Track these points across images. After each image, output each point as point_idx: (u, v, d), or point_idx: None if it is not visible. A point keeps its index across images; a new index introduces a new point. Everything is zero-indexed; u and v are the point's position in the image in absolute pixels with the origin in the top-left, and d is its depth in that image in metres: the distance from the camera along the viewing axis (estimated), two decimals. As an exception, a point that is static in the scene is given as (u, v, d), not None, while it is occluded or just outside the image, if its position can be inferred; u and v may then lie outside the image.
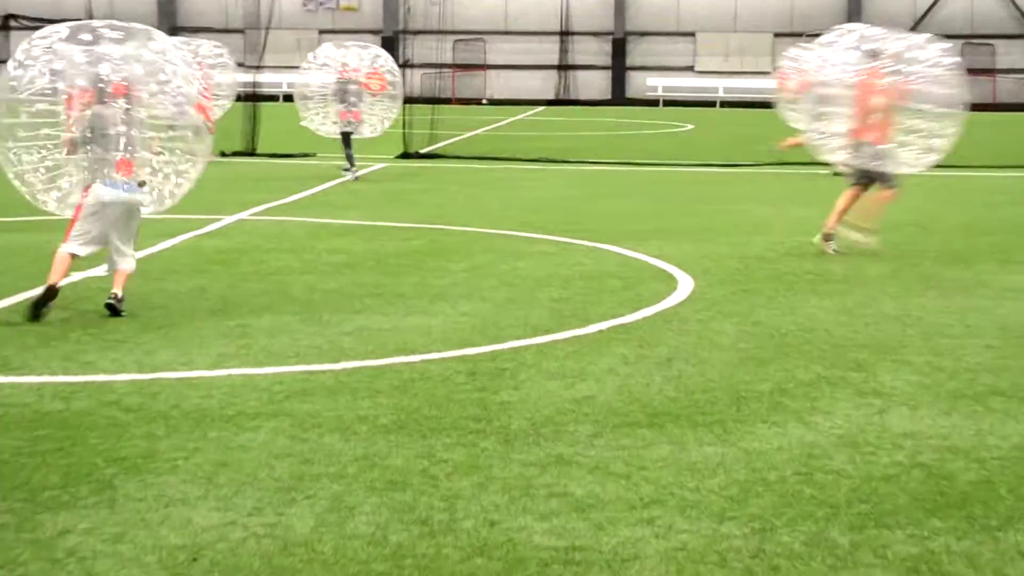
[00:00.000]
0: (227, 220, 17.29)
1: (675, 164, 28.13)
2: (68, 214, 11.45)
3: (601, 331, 10.54)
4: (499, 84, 61.34)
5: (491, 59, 61.32)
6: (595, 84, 60.64)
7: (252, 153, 28.98)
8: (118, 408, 8.04)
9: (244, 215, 17.94)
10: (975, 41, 59.20)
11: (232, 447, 7.27)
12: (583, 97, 60.30)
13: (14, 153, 11.48)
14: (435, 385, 8.72)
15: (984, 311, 11.53)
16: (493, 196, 21.14)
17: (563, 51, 60.98)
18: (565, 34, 60.47)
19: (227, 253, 14.45)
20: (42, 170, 11.51)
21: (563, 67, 61.51)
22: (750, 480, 6.84)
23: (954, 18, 59.07)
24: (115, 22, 11.71)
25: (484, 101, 59.04)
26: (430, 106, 33.72)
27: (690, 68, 59.27)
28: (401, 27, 60.58)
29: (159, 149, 11.50)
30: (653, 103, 57.68)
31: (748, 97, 57.91)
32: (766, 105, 56.94)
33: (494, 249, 15.02)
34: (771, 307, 11.65)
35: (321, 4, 61.86)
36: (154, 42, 11.60)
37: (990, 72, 58.72)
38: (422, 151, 30.02)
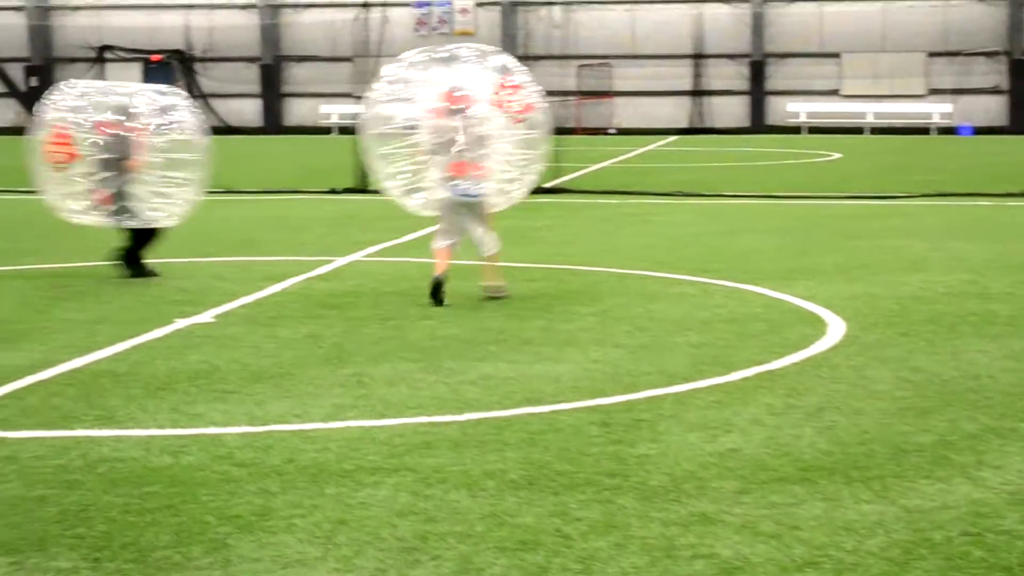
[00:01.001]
0: (339, 262, 17.52)
1: (821, 196, 27.99)
2: (429, 214, 14.78)
3: (745, 379, 10.53)
4: (627, 112, 61.44)
5: (618, 85, 61.45)
6: (731, 110, 60.56)
7: (363, 190, 29.29)
8: (230, 463, 8.19)
9: (357, 256, 18.17)
10: None
11: (351, 504, 7.37)
12: (718, 125, 60.23)
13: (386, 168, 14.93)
14: (566, 437, 8.77)
15: None
16: (623, 233, 21.19)
17: (696, 75, 60.96)
18: (698, 57, 60.48)
19: (340, 297, 14.64)
20: (405, 178, 14.81)
21: (696, 93, 61.48)
22: (913, 541, 6.80)
23: None
24: (475, 45, 15.72)
25: (611, 131, 59.19)
26: (554, 137, 33.84)
27: (835, 92, 58.97)
28: (520, 52, 60.92)
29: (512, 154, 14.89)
30: (795, 130, 57.42)
31: (900, 123, 57.48)
32: (921, 131, 56.66)
33: (626, 290, 15.07)
34: (931, 352, 11.56)
35: (434, 29, 62.48)
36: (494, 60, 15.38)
37: None
38: (546, 185, 30.15)
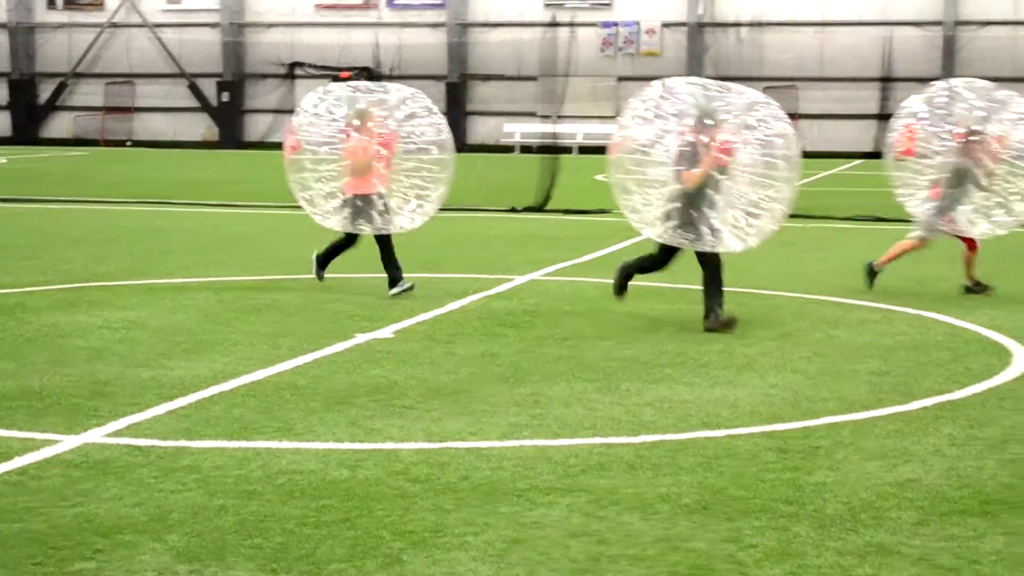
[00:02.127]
0: (518, 280, 17.59)
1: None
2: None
3: (926, 408, 10.36)
4: (812, 134, 60.87)
5: (804, 108, 60.87)
6: (919, 134, 59.60)
7: (542, 209, 29.37)
8: (405, 478, 8.26)
9: (536, 275, 18.22)
10: None
11: (524, 523, 7.39)
12: (905, 149, 59.33)
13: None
14: (742, 463, 8.70)
15: None
16: (807, 257, 20.99)
17: (883, 99, 60.17)
18: (887, 80, 59.71)
19: (518, 315, 14.69)
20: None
21: (883, 116, 60.69)
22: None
23: None
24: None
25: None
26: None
27: (1026, 117, 57.90)
28: (707, 73, 60.69)
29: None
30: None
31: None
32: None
33: (807, 315, 14.91)
34: (1117, 385, 11.27)
35: (620, 50, 62.51)
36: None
37: None
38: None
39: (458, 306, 15.23)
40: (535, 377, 11.41)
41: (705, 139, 13.61)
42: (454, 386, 11.03)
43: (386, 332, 13.53)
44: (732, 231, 14.07)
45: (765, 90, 60.83)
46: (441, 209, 17.14)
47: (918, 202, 16.83)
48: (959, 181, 16.41)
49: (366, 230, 16.21)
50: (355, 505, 7.70)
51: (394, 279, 15.95)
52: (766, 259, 20.47)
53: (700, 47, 61.83)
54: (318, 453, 8.88)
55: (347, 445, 9.09)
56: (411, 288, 15.95)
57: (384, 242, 16.15)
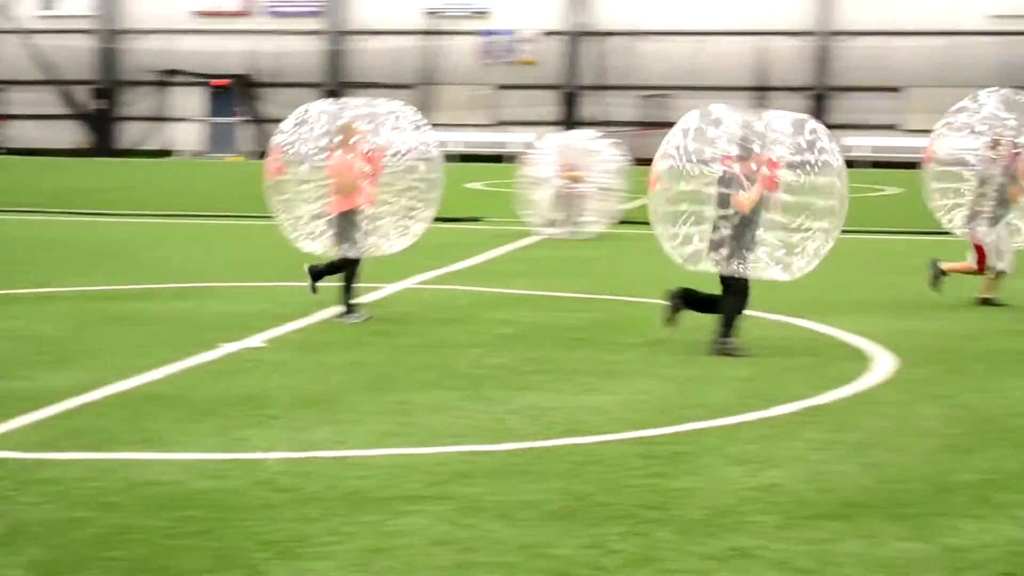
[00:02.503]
0: (389, 289, 17.55)
1: (877, 231, 27.84)
2: None
3: (790, 413, 10.48)
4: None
5: (677, 116, 61.35)
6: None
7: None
8: (270, 488, 8.21)
9: (407, 284, 18.20)
10: None
11: (389, 532, 7.38)
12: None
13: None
14: (608, 469, 8.75)
15: None
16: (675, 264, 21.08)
17: (757, 108, 60.86)
18: (761, 89, 60.20)
19: (388, 324, 14.66)
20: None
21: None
22: (950, 581, 6.75)
23: None
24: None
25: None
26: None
27: (893, 127, 58.62)
28: (584, 82, 61.03)
29: None
30: (850, 164, 56.87)
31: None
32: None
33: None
34: (980, 389, 11.47)
35: (498, 58, 62.62)
36: None
37: None
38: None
39: (329, 315, 15.15)
40: (403, 385, 11.40)
41: (753, 165, 13.04)
42: (322, 395, 10.99)
43: (256, 341, 13.45)
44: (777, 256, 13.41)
45: (641, 99, 61.28)
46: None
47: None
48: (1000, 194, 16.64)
49: (351, 253, 15.05)
50: (219, 516, 7.64)
51: (349, 308, 14.98)
52: (634, 267, 20.62)
53: (577, 55, 62.11)
54: (183, 464, 8.80)
55: (212, 455, 9.02)
56: (367, 319, 14.92)
57: (352, 265, 15.12)
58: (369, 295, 16.79)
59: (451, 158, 57.72)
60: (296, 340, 13.61)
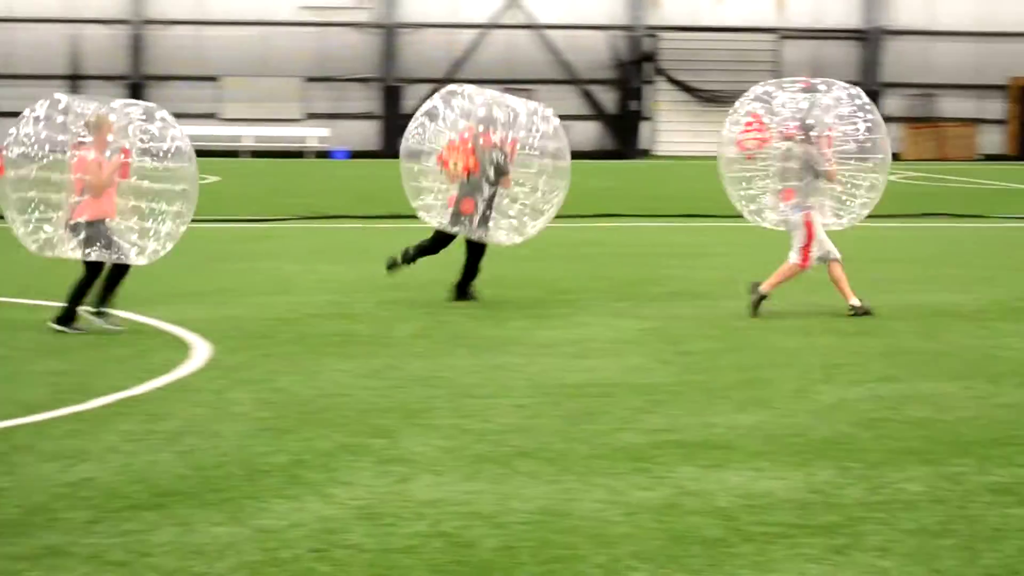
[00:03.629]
0: None
1: (200, 220, 27.94)
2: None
3: (105, 406, 10.39)
4: None
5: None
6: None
7: None
8: None
9: None
10: (514, 86, 61.46)
11: None
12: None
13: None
14: (-87, 474, 8.40)
15: (515, 369, 11.98)
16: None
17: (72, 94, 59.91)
18: (75, 78, 59.17)
19: None
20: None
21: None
22: (262, 561, 6.91)
23: (494, 62, 61.11)
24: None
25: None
26: None
27: (214, 115, 59.00)
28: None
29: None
30: (173, 153, 56.91)
31: (277, 146, 58.12)
32: (298, 155, 57.52)
33: (-12, 318, 14.57)
34: (293, 372, 11.75)
35: None
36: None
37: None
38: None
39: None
40: None
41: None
42: None
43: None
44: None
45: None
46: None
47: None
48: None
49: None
50: None
51: (101, 312, 13.69)
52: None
53: None
54: None
55: None
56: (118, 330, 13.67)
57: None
58: None
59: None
60: None
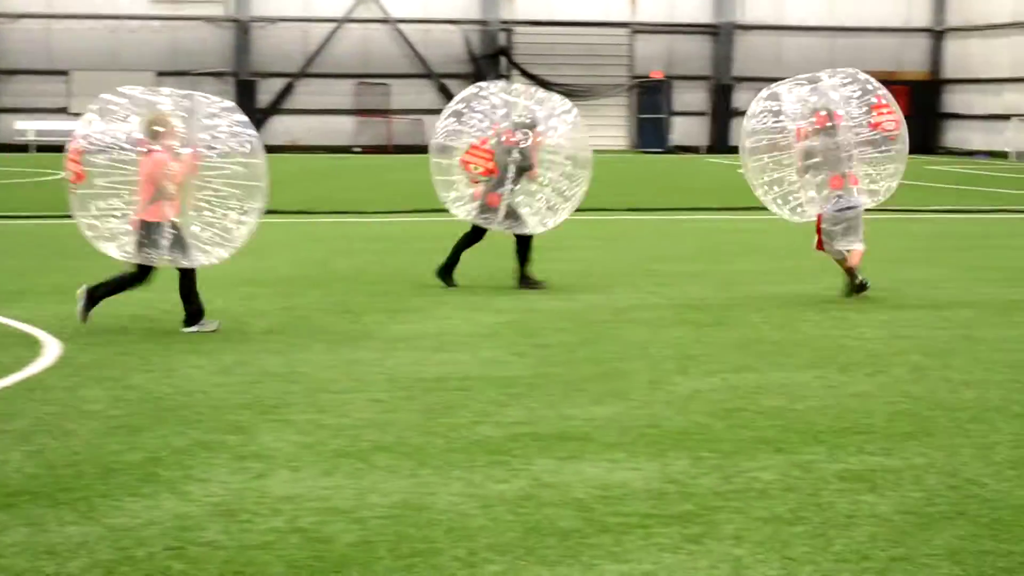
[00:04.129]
0: None
1: (50, 216, 27.54)
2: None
3: (-51, 407, 10.20)
4: None
5: None
6: None
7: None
8: None
9: None
10: (369, 80, 61.24)
11: None
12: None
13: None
14: None
15: (371, 363, 11.96)
16: None
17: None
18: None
19: None
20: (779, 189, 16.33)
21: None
22: (116, 560, 6.83)
23: (348, 56, 60.88)
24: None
25: None
26: None
27: (64, 109, 58.17)
28: None
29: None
30: (23, 148, 56.20)
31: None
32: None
33: None
34: (147, 369, 11.62)
35: None
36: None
37: (384, 113, 60.79)
38: None
39: None
40: None
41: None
42: None
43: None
44: None
45: None
46: None
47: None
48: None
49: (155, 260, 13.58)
50: None
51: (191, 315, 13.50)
52: None
53: None
54: None
55: None
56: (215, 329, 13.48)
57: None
58: None
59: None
60: None
